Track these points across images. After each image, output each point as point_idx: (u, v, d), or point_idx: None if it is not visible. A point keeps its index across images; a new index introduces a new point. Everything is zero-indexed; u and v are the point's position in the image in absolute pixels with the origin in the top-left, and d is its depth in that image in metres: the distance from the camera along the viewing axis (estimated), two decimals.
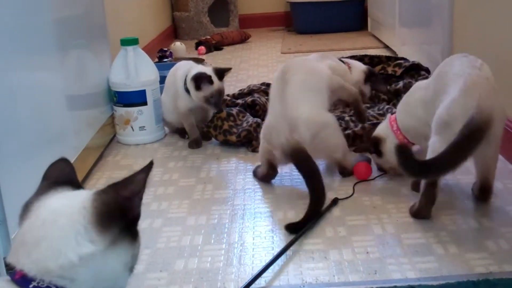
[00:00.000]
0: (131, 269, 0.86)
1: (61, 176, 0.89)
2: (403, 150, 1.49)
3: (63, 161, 0.92)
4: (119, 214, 0.80)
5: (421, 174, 1.57)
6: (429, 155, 1.57)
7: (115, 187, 0.82)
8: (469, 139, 1.46)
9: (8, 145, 1.46)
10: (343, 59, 2.31)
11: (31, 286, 0.74)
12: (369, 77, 2.29)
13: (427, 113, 1.70)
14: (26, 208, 0.82)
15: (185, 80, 2.30)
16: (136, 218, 0.83)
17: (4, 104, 1.47)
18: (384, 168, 1.97)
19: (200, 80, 2.21)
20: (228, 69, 2.28)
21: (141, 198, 0.82)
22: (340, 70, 2.16)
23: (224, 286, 1.39)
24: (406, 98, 1.88)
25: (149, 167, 0.83)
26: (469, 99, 1.51)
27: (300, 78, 1.90)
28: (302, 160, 1.74)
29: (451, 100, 1.55)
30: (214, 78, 2.23)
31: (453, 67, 1.65)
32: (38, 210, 0.80)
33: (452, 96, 1.56)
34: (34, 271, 0.75)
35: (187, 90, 2.29)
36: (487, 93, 1.53)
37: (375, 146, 1.93)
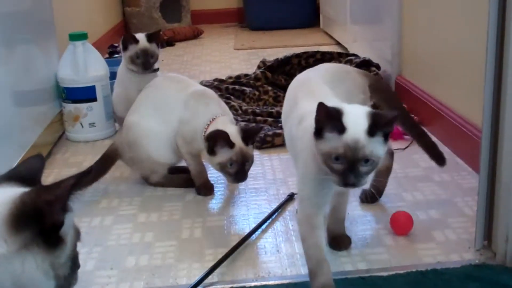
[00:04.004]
0: (60, 279, 0.79)
1: (23, 171, 0.85)
2: None
3: (36, 157, 0.89)
4: (35, 218, 0.75)
5: None
6: None
7: (39, 189, 0.77)
8: None
9: None
10: (220, 116, 1.79)
11: None
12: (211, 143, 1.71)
13: None
14: None
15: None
16: (56, 225, 0.77)
17: None
18: None
19: (125, 42, 2.29)
20: (158, 31, 2.39)
21: (63, 205, 0.76)
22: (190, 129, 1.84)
23: (176, 282, 1.38)
24: None
25: (82, 174, 0.77)
26: None
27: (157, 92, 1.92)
28: (101, 160, 1.92)
29: None
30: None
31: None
32: None
33: None
34: None
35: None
36: None
37: None
